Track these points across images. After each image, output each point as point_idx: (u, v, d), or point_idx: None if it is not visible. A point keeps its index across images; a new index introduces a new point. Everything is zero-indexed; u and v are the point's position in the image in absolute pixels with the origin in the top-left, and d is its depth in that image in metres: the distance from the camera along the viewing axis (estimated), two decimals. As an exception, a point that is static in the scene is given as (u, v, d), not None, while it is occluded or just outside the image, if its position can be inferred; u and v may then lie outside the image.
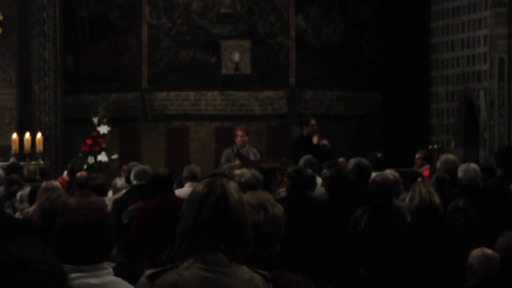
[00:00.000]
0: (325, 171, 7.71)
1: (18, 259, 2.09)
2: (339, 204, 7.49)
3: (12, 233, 2.22)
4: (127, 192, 8.59)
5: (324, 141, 12.54)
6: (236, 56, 16.45)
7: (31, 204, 7.47)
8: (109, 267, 3.42)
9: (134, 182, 8.57)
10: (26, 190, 8.29)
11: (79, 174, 10.40)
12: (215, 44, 16.42)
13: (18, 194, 8.48)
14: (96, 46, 16.86)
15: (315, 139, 12.52)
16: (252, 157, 12.60)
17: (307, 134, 12.76)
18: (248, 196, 3.43)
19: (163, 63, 16.50)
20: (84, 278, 3.26)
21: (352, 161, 8.14)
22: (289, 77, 16.51)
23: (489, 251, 5.47)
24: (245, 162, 11.83)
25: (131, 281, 3.31)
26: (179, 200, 7.51)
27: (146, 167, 8.87)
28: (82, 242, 3.25)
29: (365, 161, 8.13)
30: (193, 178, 8.46)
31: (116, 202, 8.42)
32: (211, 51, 16.44)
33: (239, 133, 12.83)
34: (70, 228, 3.30)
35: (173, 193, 7.86)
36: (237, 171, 8.55)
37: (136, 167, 8.83)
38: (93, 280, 3.31)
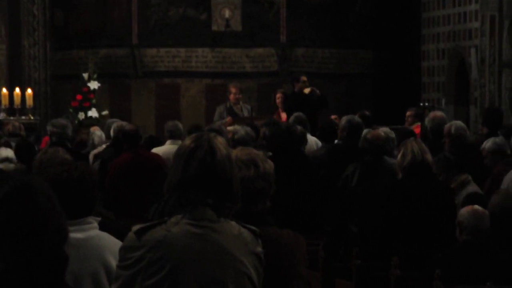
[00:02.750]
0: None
1: (23, 184, 2.17)
2: (330, 161, 7.46)
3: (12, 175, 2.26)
4: (107, 147, 8.75)
5: (316, 90, 12.48)
6: (227, 13, 16.32)
7: (19, 159, 7.42)
8: (93, 222, 3.44)
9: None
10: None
11: None
12: (205, 1, 16.28)
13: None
14: (85, 1, 16.70)
15: (306, 90, 12.45)
16: (246, 113, 12.56)
17: (298, 91, 12.69)
18: (238, 152, 3.41)
19: (153, 20, 16.36)
20: (69, 232, 3.22)
21: (344, 118, 8.10)
22: (280, 35, 16.41)
23: (478, 208, 5.47)
24: (237, 119, 11.77)
25: (120, 236, 3.27)
26: (147, 154, 7.87)
27: (124, 123, 9.03)
28: (65, 197, 3.22)
29: (357, 118, 8.08)
30: (174, 135, 8.45)
31: (96, 157, 8.52)
32: (201, 8, 16.31)
33: (233, 90, 12.78)
34: (52, 184, 3.26)
35: (140, 148, 8.07)
36: (229, 128, 8.46)
37: (115, 123, 8.98)
38: (78, 235, 3.32)
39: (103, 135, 9.49)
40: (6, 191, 2.18)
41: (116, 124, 8.90)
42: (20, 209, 2.15)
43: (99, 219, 3.48)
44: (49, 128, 8.34)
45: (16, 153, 7.58)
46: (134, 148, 7.95)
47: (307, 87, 12.61)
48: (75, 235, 3.25)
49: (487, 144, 7.23)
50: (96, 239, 3.38)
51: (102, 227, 3.52)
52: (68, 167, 3.48)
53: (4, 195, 2.17)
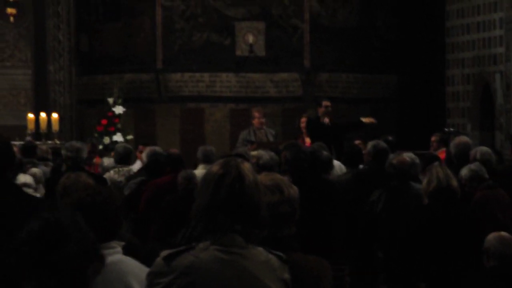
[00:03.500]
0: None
1: (53, 229, 2.24)
2: (356, 187, 7.44)
3: (44, 205, 2.33)
4: (139, 170, 8.87)
5: (327, 119, 12.37)
6: (250, 38, 16.38)
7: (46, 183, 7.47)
8: (117, 246, 3.44)
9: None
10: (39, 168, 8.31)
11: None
12: (229, 26, 16.35)
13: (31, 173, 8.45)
14: (110, 27, 16.85)
15: (326, 120, 12.41)
16: (270, 138, 12.55)
17: (321, 115, 12.66)
18: (262, 177, 3.40)
19: (177, 45, 16.46)
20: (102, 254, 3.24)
21: (370, 143, 8.09)
22: (304, 60, 16.44)
23: (505, 234, 5.48)
24: (261, 143, 11.77)
25: (146, 261, 3.27)
26: None
27: (157, 148, 9.12)
28: (88, 222, 3.24)
29: (382, 143, 8.07)
30: (207, 159, 8.48)
31: (128, 179, 8.57)
32: (225, 33, 16.38)
33: (257, 114, 12.79)
34: (76, 208, 3.28)
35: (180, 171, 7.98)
36: (253, 153, 8.48)
37: (148, 148, 9.12)
38: None
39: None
40: (37, 227, 2.26)
41: (149, 149, 9.00)
42: (52, 243, 2.23)
43: (123, 243, 3.48)
44: (63, 152, 8.25)
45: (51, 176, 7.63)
46: (176, 172, 7.90)
47: (329, 112, 12.56)
48: None
49: None
50: (120, 264, 3.37)
51: (128, 251, 3.51)
52: (91, 191, 3.49)
53: (34, 232, 2.26)
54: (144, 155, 8.92)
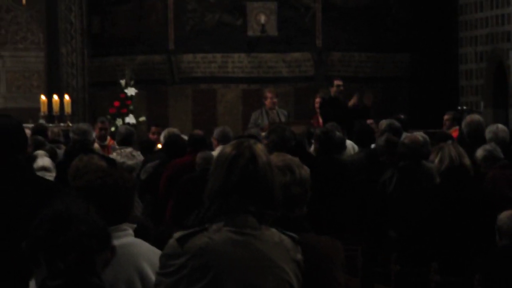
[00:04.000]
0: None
1: (63, 216, 2.27)
2: (369, 166, 7.43)
3: (56, 193, 2.40)
4: (154, 152, 8.83)
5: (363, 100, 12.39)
6: (262, 18, 16.34)
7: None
8: (128, 229, 3.42)
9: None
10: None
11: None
12: (240, 6, 16.31)
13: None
14: (122, 8, 16.82)
15: (351, 103, 12.42)
16: (282, 118, 12.55)
17: (334, 95, 12.66)
18: (274, 158, 3.38)
19: (189, 26, 16.44)
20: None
21: (383, 122, 8.07)
22: (316, 39, 16.40)
23: None
24: (274, 124, 11.76)
25: (159, 244, 3.27)
26: None
27: (175, 129, 9.22)
28: (99, 204, 3.22)
29: (396, 123, 8.06)
30: (224, 140, 8.44)
31: (144, 163, 8.58)
32: (237, 14, 16.34)
33: (269, 95, 12.78)
34: (86, 191, 3.29)
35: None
36: (264, 133, 8.47)
37: (166, 130, 9.22)
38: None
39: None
40: (48, 217, 2.32)
41: (167, 130, 9.06)
42: (61, 231, 2.29)
43: (135, 225, 3.47)
44: (71, 135, 8.18)
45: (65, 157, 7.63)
46: (197, 152, 7.84)
47: (341, 92, 12.57)
48: None
49: None
50: (131, 246, 3.35)
51: (139, 234, 3.50)
52: (102, 174, 3.46)
53: (45, 222, 2.32)
54: (162, 137, 8.95)
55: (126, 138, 9.02)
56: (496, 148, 7.10)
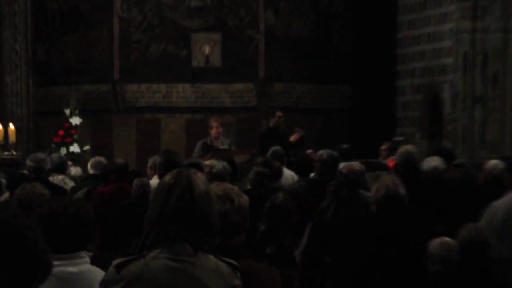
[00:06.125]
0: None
1: (10, 224, 2.18)
2: (308, 194, 7.53)
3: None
4: (82, 180, 8.98)
5: (297, 134, 12.61)
6: (207, 49, 16.41)
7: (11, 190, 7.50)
8: (85, 256, 3.46)
9: (91, 171, 9.11)
10: None
11: None
12: (185, 37, 16.37)
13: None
14: (68, 38, 16.76)
15: (292, 139, 12.61)
16: (226, 147, 12.62)
17: (274, 126, 12.82)
18: (214, 187, 3.42)
19: (134, 56, 16.44)
20: (62, 266, 3.32)
21: (320, 153, 8.18)
22: (259, 70, 16.50)
23: (448, 239, 5.52)
24: (217, 153, 11.86)
25: (105, 269, 3.33)
26: (129, 188, 7.82)
27: (102, 158, 9.40)
28: (60, 232, 3.29)
29: (333, 153, 8.18)
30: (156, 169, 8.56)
31: (72, 190, 8.67)
32: (182, 44, 16.39)
33: (215, 124, 12.81)
34: (48, 219, 3.33)
35: (124, 182, 8.13)
36: (207, 162, 8.57)
37: (92, 159, 9.44)
38: (71, 269, 3.36)
39: (79, 169, 9.74)
40: None
41: (94, 159, 9.27)
42: (7, 243, 2.18)
43: (91, 254, 3.51)
44: (27, 163, 8.38)
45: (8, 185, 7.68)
46: (120, 181, 8.05)
47: (282, 123, 12.75)
48: (68, 269, 3.30)
49: None
50: (88, 273, 3.39)
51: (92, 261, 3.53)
52: (63, 203, 3.48)
53: None
54: (89, 165, 9.13)
55: (59, 166, 9.09)
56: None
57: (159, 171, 7.53)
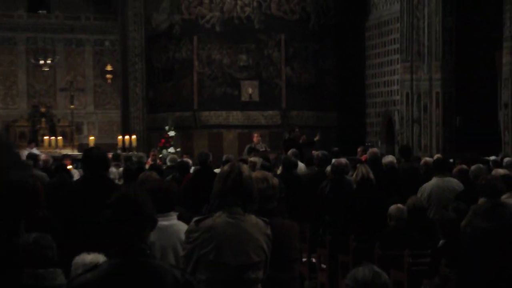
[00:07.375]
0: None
1: (132, 196, 2.06)
2: (314, 178, 7.38)
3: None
4: (168, 168, 8.71)
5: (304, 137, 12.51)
6: (250, 90, 16.40)
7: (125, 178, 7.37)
8: (174, 215, 3.40)
9: (168, 164, 8.83)
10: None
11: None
12: (237, 83, 16.36)
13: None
14: (166, 85, 16.91)
15: (302, 139, 12.64)
16: (263, 149, 12.64)
17: (292, 137, 12.79)
18: (256, 173, 3.35)
19: (206, 95, 16.48)
20: (160, 221, 3.18)
21: (318, 153, 8.04)
22: (282, 103, 16.44)
23: (400, 205, 5.41)
24: (257, 153, 11.77)
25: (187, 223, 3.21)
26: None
27: (175, 155, 9.49)
28: (159, 199, 3.21)
29: (326, 153, 8.03)
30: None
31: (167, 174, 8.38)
32: (235, 87, 16.39)
33: (256, 135, 12.94)
34: (152, 191, 3.23)
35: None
36: (251, 159, 8.46)
37: (170, 156, 9.48)
38: (165, 222, 3.29)
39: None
40: (118, 196, 2.15)
41: (171, 156, 9.18)
42: (129, 207, 2.08)
43: (178, 213, 3.45)
44: (133, 158, 8.52)
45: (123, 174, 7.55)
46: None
47: (298, 135, 12.70)
48: (163, 222, 3.21)
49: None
50: (175, 226, 3.34)
51: (179, 218, 3.46)
52: (160, 182, 3.51)
53: (117, 199, 2.14)
54: (167, 160, 8.98)
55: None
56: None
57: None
